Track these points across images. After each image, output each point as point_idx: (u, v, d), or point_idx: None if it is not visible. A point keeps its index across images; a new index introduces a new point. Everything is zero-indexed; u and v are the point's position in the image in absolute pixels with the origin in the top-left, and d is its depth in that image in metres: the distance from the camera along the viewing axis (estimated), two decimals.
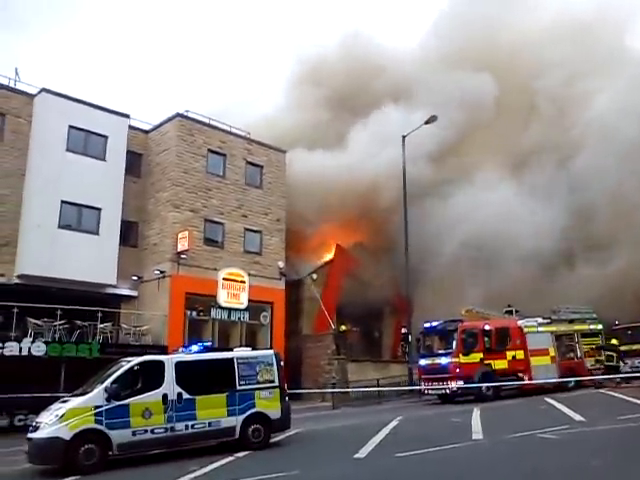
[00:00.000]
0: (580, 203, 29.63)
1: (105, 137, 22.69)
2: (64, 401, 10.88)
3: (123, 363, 11.39)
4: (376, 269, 29.10)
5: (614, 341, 23.12)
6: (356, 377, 24.51)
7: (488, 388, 20.23)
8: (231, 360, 12.25)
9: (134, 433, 10.60)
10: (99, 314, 20.52)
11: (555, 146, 31.29)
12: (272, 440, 12.38)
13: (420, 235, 27.66)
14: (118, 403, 10.53)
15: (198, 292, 22.97)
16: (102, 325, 20.51)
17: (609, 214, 28.67)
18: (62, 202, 21.19)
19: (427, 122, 26.34)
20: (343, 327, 27.40)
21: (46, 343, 18.35)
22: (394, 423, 14.52)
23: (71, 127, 21.81)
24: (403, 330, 27.85)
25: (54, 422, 10.13)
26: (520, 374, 21.16)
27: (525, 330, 22.03)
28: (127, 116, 23.86)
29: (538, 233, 28.29)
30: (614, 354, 22.39)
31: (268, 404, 12.19)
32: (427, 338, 22.78)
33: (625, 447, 9.95)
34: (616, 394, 18.78)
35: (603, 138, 28.87)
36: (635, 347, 24.23)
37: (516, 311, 23.94)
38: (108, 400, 10.46)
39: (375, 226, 30.26)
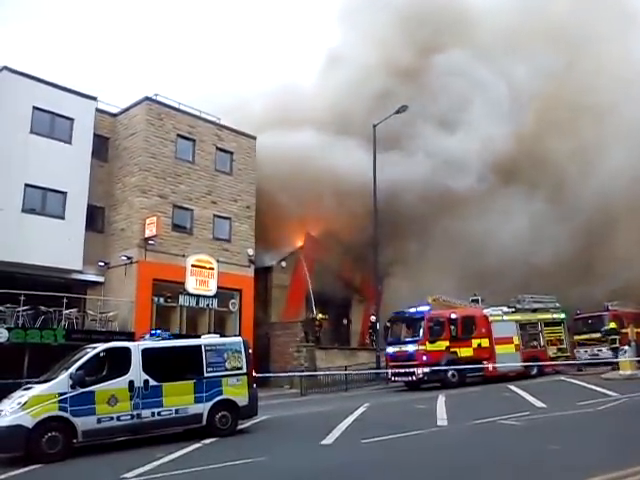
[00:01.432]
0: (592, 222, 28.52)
1: (71, 120, 22.19)
2: (27, 388, 10.72)
3: (89, 349, 11.26)
4: (347, 258, 29.11)
5: (612, 325, 23.64)
6: (324, 364, 24.67)
7: (454, 375, 20.62)
8: (199, 347, 12.20)
9: (99, 420, 10.50)
10: (64, 300, 20.19)
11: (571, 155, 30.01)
12: (240, 427, 12.42)
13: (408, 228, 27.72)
14: (83, 390, 10.40)
15: (166, 278, 22.72)
16: (67, 311, 20.18)
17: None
18: (26, 185, 20.69)
19: (397, 112, 26.26)
20: (321, 315, 27.43)
21: (9, 329, 18.01)
22: (361, 410, 14.69)
23: (35, 108, 21.27)
24: (372, 318, 28.11)
25: (16, 410, 9.95)
26: (485, 362, 21.54)
27: (491, 319, 22.46)
28: (94, 98, 23.35)
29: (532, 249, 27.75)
30: (616, 337, 22.92)
31: (236, 391, 12.20)
32: (395, 326, 23.08)
33: (581, 432, 10.27)
34: (576, 381, 19.34)
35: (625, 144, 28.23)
36: (595, 336, 24.91)
37: (482, 300, 24.34)
38: (73, 387, 10.33)
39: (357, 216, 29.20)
